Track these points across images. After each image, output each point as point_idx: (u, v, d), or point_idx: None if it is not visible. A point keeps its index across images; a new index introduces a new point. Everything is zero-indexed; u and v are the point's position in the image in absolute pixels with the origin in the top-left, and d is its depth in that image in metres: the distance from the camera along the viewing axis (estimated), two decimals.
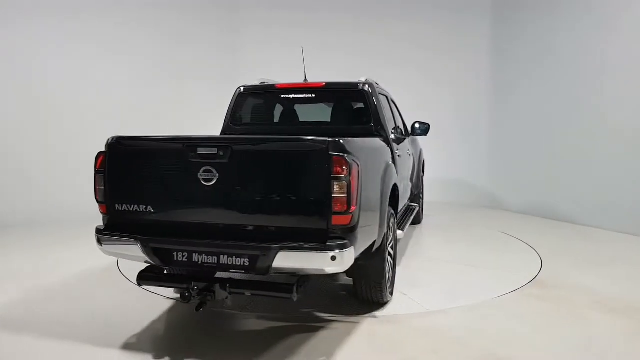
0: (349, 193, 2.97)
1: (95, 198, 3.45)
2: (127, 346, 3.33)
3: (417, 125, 6.16)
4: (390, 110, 5.61)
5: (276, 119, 5.20)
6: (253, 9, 9.76)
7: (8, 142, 7.51)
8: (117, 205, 3.37)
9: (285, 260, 2.99)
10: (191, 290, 3.14)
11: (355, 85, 4.77)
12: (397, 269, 5.11)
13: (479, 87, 10.18)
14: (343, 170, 2.96)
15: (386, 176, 3.98)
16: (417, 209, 6.80)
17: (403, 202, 5.44)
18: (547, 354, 3.31)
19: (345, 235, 3.04)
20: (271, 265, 3.00)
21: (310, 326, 3.64)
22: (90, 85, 8.18)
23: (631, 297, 4.42)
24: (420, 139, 7.32)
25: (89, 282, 4.77)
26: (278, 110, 5.23)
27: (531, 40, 8.90)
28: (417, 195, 7.10)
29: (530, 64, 8.90)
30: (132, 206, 3.33)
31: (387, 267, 4.01)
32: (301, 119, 5.19)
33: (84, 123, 7.93)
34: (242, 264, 3.13)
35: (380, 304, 4.05)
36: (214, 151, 3.12)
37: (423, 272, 5.14)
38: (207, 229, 3.23)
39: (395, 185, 4.31)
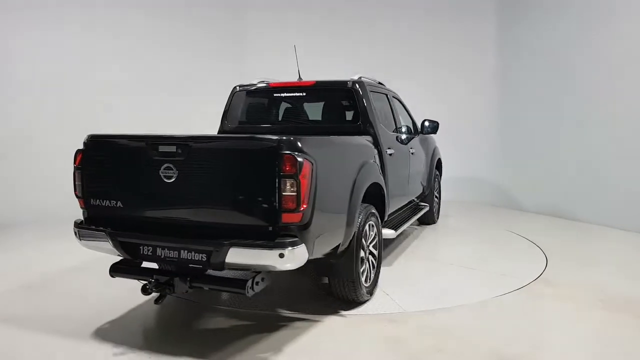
0: (298, 191, 2.99)
1: (75, 193, 3.65)
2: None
3: (426, 124, 6.12)
4: (390, 109, 5.54)
5: (271, 118, 5.25)
6: (258, 8, 9.83)
7: (9, 142, 7.72)
8: (92, 201, 3.54)
9: (237, 256, 3.04)
10: (150, 283, 3.26)
11: (344, 83, 4.75)
12: (392, 268, 5.08)
13: (486, 87, 9.89)
14: (293, 168, 2.98)
15: (360, 175, 3.93)
16: (427, 208, 6.66)
17: (399, 201, 5.35)
18: (552, 352, 3.25)
19: (297, 233, 3.06)
20: (224, 261, 3.07)
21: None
22: (91, 85, 8.30)
23: (638, 296, 4.26)
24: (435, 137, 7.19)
25: (91, 279, 4.85)
26: (272, 109, 5.28)
27: (540, 38, 8.61)
28: (428, 194, 6.94)
29: (539, 63, 8.61)
30: (105, 201, 3.49)
31: (363, 266, 3.97)
32: (295, 118, 5.21)
33: (84, 123, 7.83)
34: (200, 259, 3.21)
35: (356, 303, 4.01)
36: (173, 149, 3.23)
37: (421, 272, 5.05)
38: (170, 225, 3.34)
39: (376, 184, 4.25)
